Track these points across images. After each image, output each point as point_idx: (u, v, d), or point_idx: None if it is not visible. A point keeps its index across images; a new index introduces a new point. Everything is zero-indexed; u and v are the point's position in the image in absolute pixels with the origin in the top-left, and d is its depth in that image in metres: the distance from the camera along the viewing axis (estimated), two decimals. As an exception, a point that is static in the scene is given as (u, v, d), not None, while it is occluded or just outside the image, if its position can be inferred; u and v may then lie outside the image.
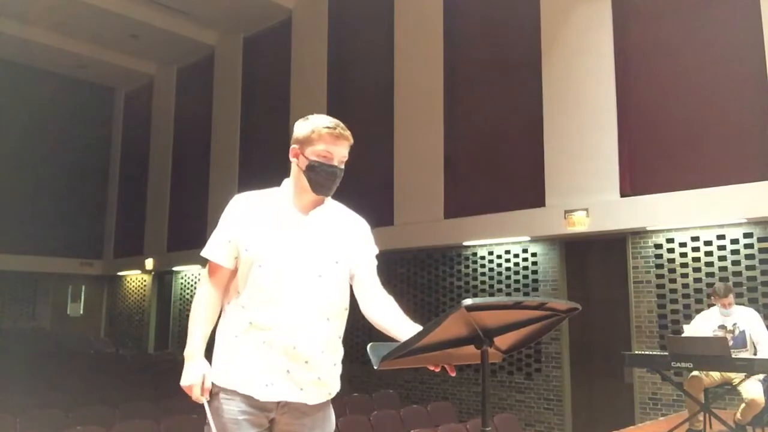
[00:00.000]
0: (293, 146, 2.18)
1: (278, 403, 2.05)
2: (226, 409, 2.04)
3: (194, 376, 2.04)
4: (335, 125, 2.13)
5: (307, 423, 2.09)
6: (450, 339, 1.72)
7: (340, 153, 2.14)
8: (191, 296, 12.83)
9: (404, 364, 1.80)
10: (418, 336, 1.67)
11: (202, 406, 2.11)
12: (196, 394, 2.02)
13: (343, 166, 2.16)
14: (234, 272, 2.13)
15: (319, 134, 2.11)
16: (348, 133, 2.15)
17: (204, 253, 2.18)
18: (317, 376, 2.07)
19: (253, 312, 2.06)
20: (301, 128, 2.17)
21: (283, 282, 2.06)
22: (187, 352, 2.09)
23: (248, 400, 2.03)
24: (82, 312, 15.41)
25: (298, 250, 2.10)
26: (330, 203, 2.24)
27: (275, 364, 2.02)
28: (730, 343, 4.72)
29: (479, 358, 1.74)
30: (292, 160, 2.19)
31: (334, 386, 2.15)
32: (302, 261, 2.09)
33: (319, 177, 2.12)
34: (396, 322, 2.10)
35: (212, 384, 2.06)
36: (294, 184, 2.20)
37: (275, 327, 2.03)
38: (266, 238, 2.10)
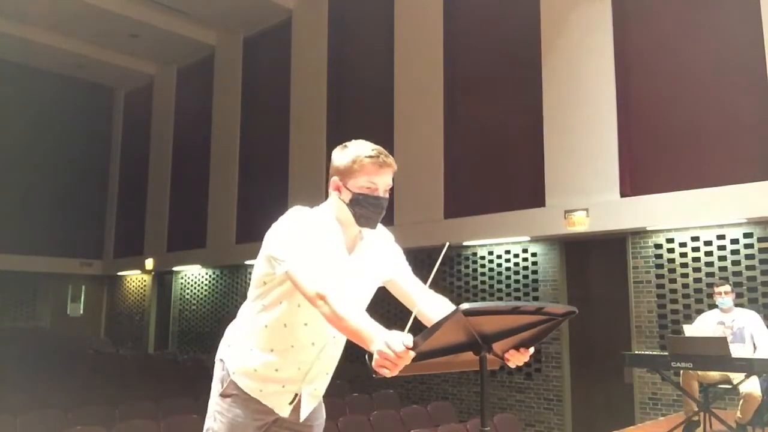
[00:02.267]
0: (333, 178, 2.03)
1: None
2: (237, 413, 2.07)
3: (398, 338, 1.66)
4: (378, 153, 1.99)
5: (309, 417, 2.18)
6: (448, 345, 1.71)
7: (384, 182, 2.00)
8: (191, 296, 12.84)
9: (404, 372, 1.79)
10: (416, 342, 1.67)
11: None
12: (409, 356, 1.65)
13: (388, 195, 2.03)
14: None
15: (361, 164, 1.97)
16: (391, 159, 2.01)
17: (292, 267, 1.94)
18: (321, 394, 2.22)
19: (294, 335, 2.03)
20: (340, 158, 2.02)
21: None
22: (370, 342, 1.71)
23: (261, 406, 2.08)
24: (82, 312, 15.40)
25: (346, 288, 2.00)
26: (366, 234, 2.14)
27: (289, 377, 2.08)
28: (730, 338, 4.73)
29: (478, 365, 1.74)
30: (333, 192, 2.05)
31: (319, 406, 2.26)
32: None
33: (364, 210, 2.00)
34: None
35: (231, 383, 2.07)
36: (338, 217, 2.05)
37: (309, 351, 2.06)
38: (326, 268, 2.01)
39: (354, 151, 2.00)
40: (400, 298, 2.20)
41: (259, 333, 2.05)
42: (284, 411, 2.09)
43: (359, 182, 1.98)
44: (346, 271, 2.01)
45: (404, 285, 2.18)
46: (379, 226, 2.17)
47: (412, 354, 1.63)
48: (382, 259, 2.17)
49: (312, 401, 2.16)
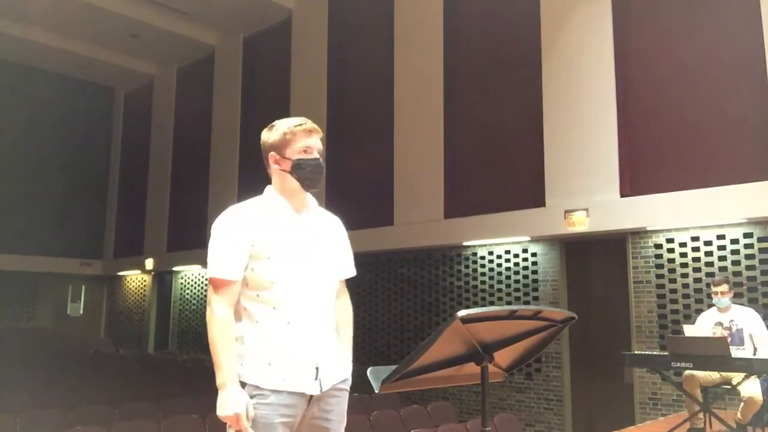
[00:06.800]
0: (271, 154, 2.23)
1: (311, 397, 2.11)
2: (263, 414, 2.03)
3: (237, 404, 1.96)
4: (304, 121, 2.22)
5: (329, 410, 2.17)
6: (449, 357, 1.70)
7: (317, 145, 2.23)
8: (191, 296, 12.83)
9: (407, 387, 1.78)
10: (416, 354, 1.64)
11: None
12: (244, 426, 1.95)
13: (321, 159, 2.24)
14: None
15: (293, 133, 2.20)
16: (316, 126, 2.25)
17: (213, 273, 2.10)
18: (333, 355, 2.20)
19: (274, 300, 2.10)
20: (272, 136, 2.24)
21: (297, 272, 2.12)
22: (220, 381, 2.00)
23: (282, 400, 2.05)
24: (82, 312, 15.40)
25: (306, 245, 2.18)
26: (313, 205, 2.31)
27: (303, 354, 2.09)
28: (727, 340, 4.72)
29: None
30: (273, 167, 2.24)
31: (341, 366, 2.23)
32: (312, 254, 2.18)
33: (306, 172, 2.19)
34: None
35: (250, 386, 2.04)
36: (280, 189, 2.24)
37: (295, 309, 2.10)
38: (274, 236, 2.14)
39: (283, 126, 2.23)
40: None
41: (245, 320, 2.11)
42: (313, 388, 2.09)
43: (296, 148, 2.19)
44: (297, 227, 2.19)
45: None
46: (338, 220, 2.37)
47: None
48: (339, 241, 2.33)
49: (332, 364, 2.17)
